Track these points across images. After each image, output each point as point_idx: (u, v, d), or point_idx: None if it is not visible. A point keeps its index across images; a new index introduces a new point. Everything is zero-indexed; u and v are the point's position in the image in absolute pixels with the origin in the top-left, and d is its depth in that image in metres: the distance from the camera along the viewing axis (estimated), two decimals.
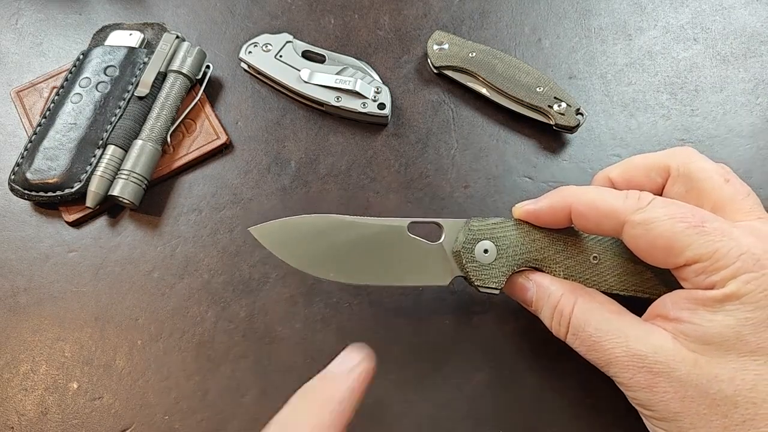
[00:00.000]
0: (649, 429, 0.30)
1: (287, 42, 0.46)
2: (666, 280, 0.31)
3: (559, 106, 0.42)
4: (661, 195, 0.31)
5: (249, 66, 0.46)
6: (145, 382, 0.37)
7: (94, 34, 0.47)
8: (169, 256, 0.41)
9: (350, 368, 0.29)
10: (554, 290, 0.31)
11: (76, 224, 0.41)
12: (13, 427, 0.36)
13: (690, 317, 0.27)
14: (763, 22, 0.47)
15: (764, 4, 0.48)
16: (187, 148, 0.43)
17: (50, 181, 0.40)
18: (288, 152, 0.44)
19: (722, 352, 0.26)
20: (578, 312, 0.30)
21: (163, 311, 0.39)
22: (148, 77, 0.43)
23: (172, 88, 0.43)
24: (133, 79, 0.44)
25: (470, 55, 0.44)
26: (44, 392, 0.37)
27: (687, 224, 0.27)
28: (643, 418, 0.30)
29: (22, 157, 0.41)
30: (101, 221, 0.42)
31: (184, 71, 0.44)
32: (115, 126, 0.42)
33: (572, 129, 0.42)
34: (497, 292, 0.33)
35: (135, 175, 0.40)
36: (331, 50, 0.46)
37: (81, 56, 0.45)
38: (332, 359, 0.37)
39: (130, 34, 0.46)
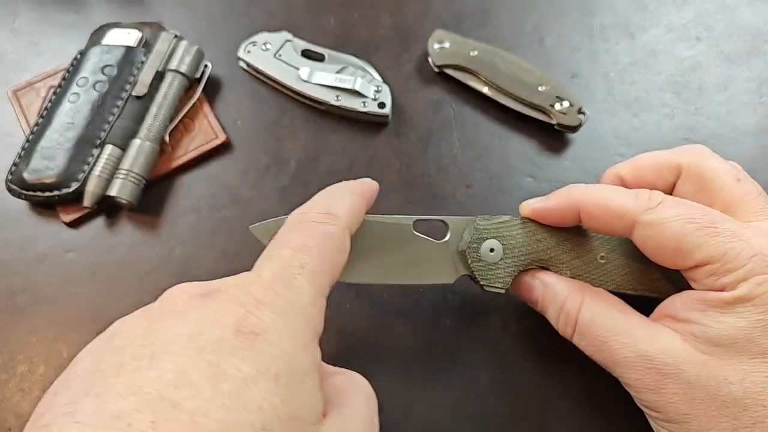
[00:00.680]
0: (655, 431, 0.29)
1: (286, 41, 0.46)
2: (674, 279, 0.31)
3: (561, 105, 0.41)
4: (671, 193, 0.31)
5: (248, 65, 0.45)
6: None
7: (92, 34, 0.46)
8: (168, 256, 0.40)
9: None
10: (561, 289, 0.31)
11: (74, 224, 0.41)
12: (10, 429, 0.36)
13: (700, 318, 0.27)
14: (767, 21, 0.47)
15: (767, 3, 0.47)
16: (186, 148, 0.43)
17: (47, 180, 0.39)
18: (287, 152, 0.44)
19: (732, 354, 0.26)
20: (585, 312, 0.30)
21: None
22: (146, 76, 0.43)
23: (170, 87, 0.43)
24: (131, 79, 0.43)
25: (471, 53, 0.44)
26: (42, 393, 0.36)
27: (697, 225, 0.27)
28: (650, 420, 0.29)
29: (19, 157, 0.41)
30: (99, 221, 0.41)
31: (182, 70, 0.43)
32: (112, 125, 0.41)
33: (574, 128, 0.41)
34: (503, 291, 0.33)
35: (133, 174, 0.40)
36: (330, 49, 0.46)
37: (78, 55, 0.44)
38: (332, 360, 0.37)
39: (128, 33, 0.45)
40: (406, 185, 0.42)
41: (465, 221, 0.33)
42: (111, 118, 0.42)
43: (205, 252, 0.40)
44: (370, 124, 0.44)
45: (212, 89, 0.46)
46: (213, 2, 0.49)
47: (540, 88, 0.42)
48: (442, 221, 0.34)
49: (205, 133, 0.43)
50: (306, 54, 0.46)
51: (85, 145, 0.41)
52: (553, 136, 0.43)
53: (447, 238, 0.33)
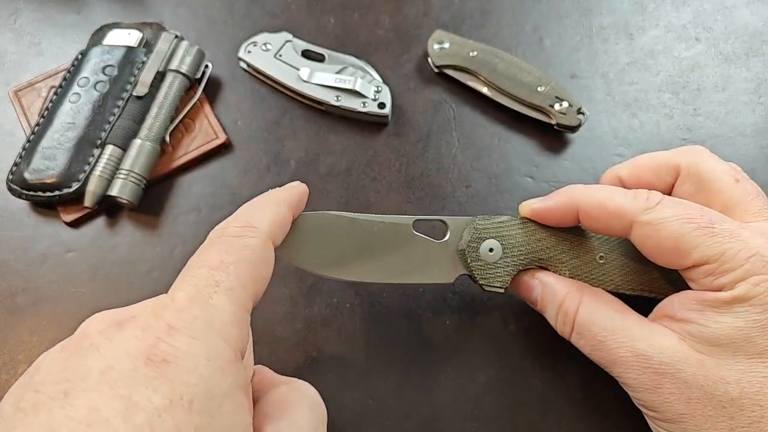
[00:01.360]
0: (653, 430, 0.29)
1: (287, 41, 0.46)
2: (673, 280, 0.31)
3: (561, 105, 0.41)
4: (670, 194, 0.31)
5: (248, 65, 0.46)
6: None
7: (93, 34, 0.46)
8: (168, 256, 0.40)
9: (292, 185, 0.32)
10: (559, 289, 0.31)
11: (75, 224, 0.41)
12: None
13: (698, 318, 0.27)
14: (765, 21, 0.47)
15: (766, 4, 0.47)
16: (186, 148, 0.43)
17: (48, 180, 0.40)
18: (287, 152, 0.44)
19: (729, 353, 0.26)
20: (583, 311, 0.30)
21: None
22: (146, 76, 0.43)
23: (171, 87, 0.43)
24: (132, 79, 0.43)
25: (471, 54, 0.44)
26: None
27: (696, 225, 0.27)
28: (648, 420, 0.29)
29: (20, 157, 0.41)
30: (100, 221, 0.41)
31: (182, 70, 0.44)
32: (113, 125, 0.42)
33: (574, 128, 0.42)
34: (502, 291, 0.33)
35: (133, 174, 0.40)
36: (330, 49, 0.46)
37: (79, 56, 0.45)
38: (333, 360, 0.37)
39: (129, 34, 0.45)
40: (406, 185, 0.42)
41: (464, 221, 0.33)
42: (112, 118, 0.42)
43: None
44: (370, 124, 0.44)
45: (213, 89, 0.46)
46: (213, 3, 0.50)
47: (539, 89, 0.42)
48: (441, 221, 0.34)
49: (205, 133, 0.43)
50: (306, 54, 0.46)
51: (86, 145, 0.41)
52: (552, 136, 0.43)
53: (446, 237, 0.33)
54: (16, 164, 0.41)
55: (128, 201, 0.40)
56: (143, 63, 0.44)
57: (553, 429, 0.35)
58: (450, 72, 0.45)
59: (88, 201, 0.40)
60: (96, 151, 0.41)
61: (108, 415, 0.19)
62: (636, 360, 0.27)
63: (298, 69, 0.44)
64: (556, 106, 0.41)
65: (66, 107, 0.42)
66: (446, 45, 0.45)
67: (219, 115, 0.45)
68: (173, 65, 0.44)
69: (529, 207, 0.33)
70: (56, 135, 0.41)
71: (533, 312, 0.35)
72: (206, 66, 0.45)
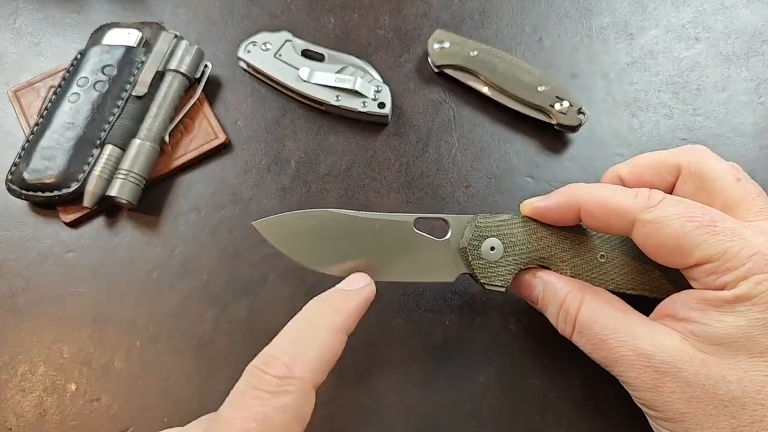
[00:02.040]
0: (654, 430, 0.29)
1: (286, 41, 0.46)
2: (674, 279, 0.31)
3: (561, 105, 0.41)
4: (671, 193, 0.31)
5: (248, 65, 0.46)
6: (144, 384, 0.37)
7: (92, 34, 0.46)
8: (168, 256, 0.40)
9: (359, 287, 0.31)
10: (561, 288, 0.31)
11: (74, 224, 0.41)
12: (11, 429, 0.36)
13: (700, 317, 0.27)
14: (765, 21, 0.47)
15: (766, 4, 0.47)
16: (186, 148, 0.43)
17: (48, 181, 0.40)
18: (288, 152, 0.44)
19: (731, 352, 0.26)
20: (585, 310, 0.30)
21: (162, 312, 0.39)
22: (146, 76, 0.43)
23: (171, 87, 0.43)
24: (131, 79, 0.43)
25: (471, 54, 0.44)
26: (42, 393, 0.37)
27: (697, 223, 0.27)
28: (649, 419, 0.29)
29: (20, 157, 0.41)
30: (99, 221, 0.41)
31: (182, 70, 0.43)
32: (113, 125, 0.41)
33: (574, 128, 0.42)
34: (503, 289, 0.33)
35: (133, 174, 0.40)
36: (330, 49, 0.46)
37: (79, 55, 0.45)
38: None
39: (128, 33, 0.45)
40: (406, 185, 0.42)
41: (465, 219, 0.33)
42: (111, 118, 0.42)
43: (205, 251, 0.40)
44: (370, 124, 0.44)
45: (212, 89, 0.46)
46: (213, 2, 0.50)
47: (539, 89, 0.42)
48: (442, 219, 0.34)
49: (205, 133, 0.43)
50: (306, 54, 0.46)
51: (86, 145, 0.41)
52: (552, 136, 0.43)
53: (448, 236, 0.33)
54: (15, 164, 0.41)
55: (128, 201, 0.40)
56: (143, 63, 0.44)
57: (553, 428, 0.35)
58: (450, 72, 0.45)
59: (88, 201, 0.40)
60: (95, 151, 0.41)
61: None
62: (637, 359, 0.27)
63: (297, 69, 0.44)
64: (557, 106, 0.41)
65: (65, 107, 0.42)
66: (446, 45, 0.45)
67: (219, 114, 0.45)
68: (173, 65, 0.44)
69: (530, 205, 0.33)
70: (55, 135, 0.41)
71: (533, 312, 0.35)
72: (206, 66, 0.45)
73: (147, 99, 0.43)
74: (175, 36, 0.45)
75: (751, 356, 0.25)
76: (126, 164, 0.40)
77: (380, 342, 0.37)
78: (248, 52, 0.45)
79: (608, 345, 0.28)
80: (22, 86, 0.45)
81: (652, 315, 0.30)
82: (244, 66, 0.46)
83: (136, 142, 0.41)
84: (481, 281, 0.32)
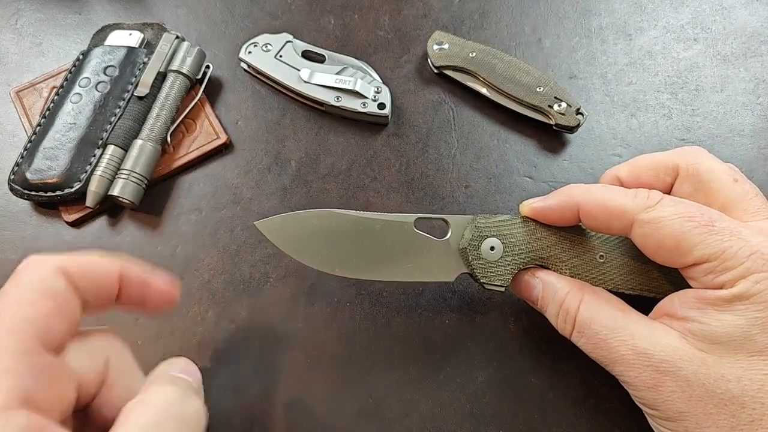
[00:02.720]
0: (653, 429, 0.30)
1: (287, 42, 0.46)
2: (673, 279, 0.31)
3: (560, 105, 0.42)
4: (669, 194, 0.31)
5: (249, 66, 0.46)
6: None
7: (94, 34, 0.46)
8: (169, 255, 0.40)
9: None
10: (560, 288, 0.31)
11: (76, 224, 0.41)
12: None
13: (698, 316, 0.27)
14: (763, 21, 0.47)
15: (764, 4, 0.48)
16: (187, 148, 0.43)
17: (50, 180, 0.40)
18: (288, 152, 0.44)
19: (730, 351, 0.26)
20: (584, 309, 0.30)
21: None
22: (147, 77, 0.43)
23: (172, 87, 0.43)
24: (133, 79, 0.44)
25: (470, 54, 0.44)
26: None
27: (696, 223, 0.27)
28: (648, 418, 0.30)
29: (22, 157, 0.41)
30: (101, 221, 0.42)
31: (183, 71, 0.44)
32: (114, 126, 0.42)
33: (572, 129, 0.42)
34: (503, 289, 0.33)
35: (135, 174, 0.40)
36: (331, 50, 0.46)
37: (81, 56, 0.45)
38: (333, 359, 0.37)
39: (130, 34, 0.46)
40: (406, 185, 0.42)
41: (465, 220, 0.34)
42: (113, 119, 0.42)
43: (206, 251, 0.40)
44: (369, 124, 0.45)
45: (213, 90, 0.46)
46: (214, 4, 0.50)
47: (538, 89, 0.42)
48: (443, 219, 0.34)
49: (206, 134, 0.44)
50: (306, 55, 0.46)
51: (88, 145, 0.41)
52: (551, 136, 0.44)
53: (448, 236, 0.34)
54: (17, 164, 0.41)
55: (129, 201, 0.40)
56: (144, 63, 0.44)
57: (553, 428, 0.35)
58: (449, 73, 0.45)
59: (90, 201, 0.40)
60: (97, 152, 0.41)
61: None
62: (637, 358, 0.27)
63: (298, 69, 0.44)
64: (555, 107, 0.42)
65: (67, 107, 0.42)
66: (446, 46, 0.45)
67: (220, 115, 0.45)
68: (174, 66, 0.44)
69: (529, 206, 0.33)
70: (58, 135, 0.41)
71: (532, 311, 0.35)
72: (207, 66, 0.45)
73: (149, 99, 0.43)
74: (177, 37, 0.45)
75: (750, 355, 0.26)
76: (128, 164, 0.40)
77: (380, 342, 0.38)
78: (249, 53, 0.45)
79: (608, 344, 0.29)
80: (24, 86, 0.45)
81: (651, 314, 0.30)
82: (245, 67, 0.46)
83: (138, 142, 0.41)
84: (481, 281, 0.33)
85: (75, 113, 0.42)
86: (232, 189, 0.43)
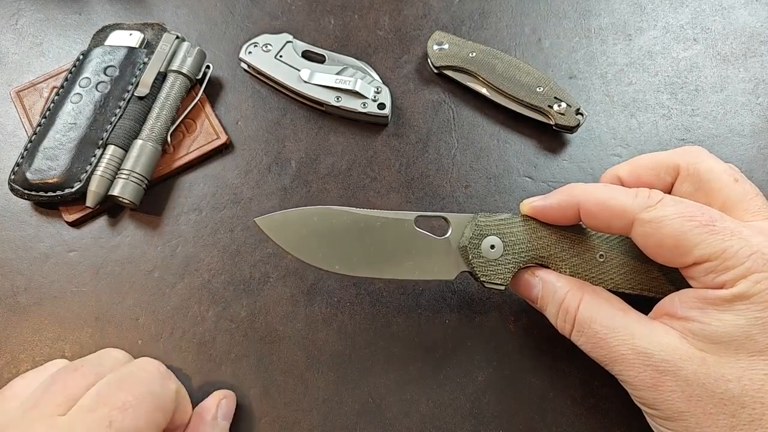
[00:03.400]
0: (653, 429, 0.30)
1: (287, 42, 0.46)
2: (673, 279, 0.31)
3: (560, 106, 0.42)
4: (669, 194, 0.31)
5: (249, 66, 0.46)
6: None
7: (94, 34, 0.46)
8: (170, 255, 0.41)
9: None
10: (560, 287, 0.31)
11: (76, 224, 0.41)
12: None
13: (699, 316, 0.27)
14: (763, 22, 0.47)
15: (764, 4, 0.48)
16: (188, 148, 0.43)
17: (50, 180, 0.40)
18: (288, 152, 0.44)
19: (731, 351, 0.26)
20: (584, 309, 0.30)
21: (163, 311, 0.39)
22: (148, 77, 0.43)
23: (172, 88, 0.43)
24: (133, 79, 0.44)
25: (470, 55, 0.44)
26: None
27: (697, 223, 0.27)
28: (648, 418, 0.30)
29: (22, 157, 0.41)
30: (101, 221, 0.42)
31: (184, 71, 0.44)
32: (115, 126, 0.42)
33: (572, 129, 0.42)
34: (503, 288, 0.33)
35: (135, 174, 0.40)
36: (331, 50, 0.46)
37: (81, 56, 0.45)
38: (333, 359, 0.37)
39: (130, 34, 0.46)
40: (406, 185, 0.43)
41: (466, 218, 0.34)
42: (113, 119, 0.42)
43: (206, 251, 0.41)
44: (369, 124, 0.45)
45: (214, 90, 0.46)
46: (215, 4, 0.50)
47: (538, 89, 0.42)
48: (443, 218, 0.34)
49: (206, 134, 0.44)
50: (306, 55, 0.46)
51: (88, 145, 0.41)
52: (551, 136, 0.44)
53: (448, 234, 0.34)
54: (18, 164, 0.41)
55: (130, 201, 0.40)
56: (144, 64, 0.44)
57: (552, 427, 0.35)
58: (449, 73, 0.45)
59: (90, 201, 0.40)
60: (98, 152, 0.41)
61: None
62: (637, 358, 0.27)
63: (298, 70, 0.44)
64: (555, 107, 0.42)
65: (68, 107, 0.42)
66: (445, 46, 0.45)
67: (220, 115, 0.45)
68: (174, 66, 0.44)
69: (530, 205, 0.33)
70: (58, 135, 0.41)
71: (532, 311, 0.35)
72: (207, 67, 0.45)
73: (149, 100, 0.43)
74: (177, 37, 0.45)
75: (750, 355, 0.26)
76: (128, 164, 0.40)
77: (380, 342, 0.38)
78: (249, 53, 0.46)
79: (607, 344, 0.29)
80: (25, 87, 0.45)
81: (650, 314, 0.30)
82: (245, 67, 0.46)
83: (138, 142, 0.41)
84: (481, 279, 0.33)
85: (75, 113, 0.42)
86: (232, 189, 0.43)
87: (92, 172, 0.40)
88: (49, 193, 0.40)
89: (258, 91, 0.46)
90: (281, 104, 0.46)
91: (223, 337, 0.38)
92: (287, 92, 0.45)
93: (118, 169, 0.41)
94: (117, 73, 0.43)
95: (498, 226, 0.33)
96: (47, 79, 0.45)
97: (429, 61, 0.46)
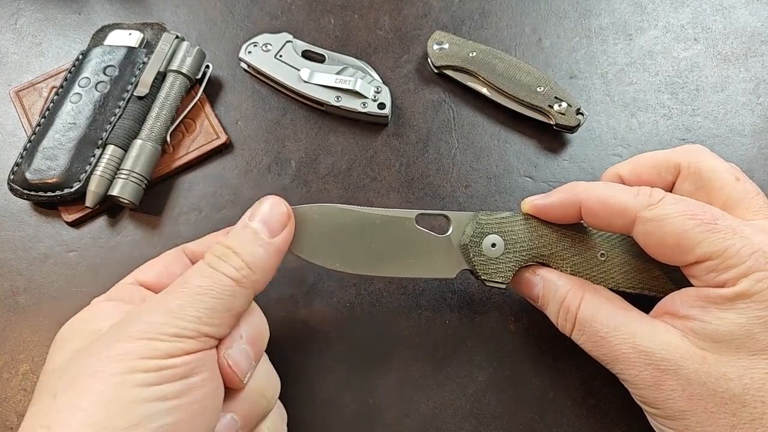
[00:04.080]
0: (653, 428, 0.30)
1: (287, 42, 0.46)
2: (674, 278, 0.31)
3: (560, 105, 0.42)
4: (670, 192, 0.31)
5: (249, 66, 0.46)
6: None
7: (94, 34, 0.46)
8: None
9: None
10: (561, 285, 0.31)
11: (76, 224, 0.41)
12: (12, 428, 0.36)
13: (700, 315, 0.27)
14: (764, 21, 0.47)
15: (764, 4, 0.48)
16: (187, 148, 0.43)
17: (49, 180, 0.40)
18: (288, 152, 0.44)
19: (732, 350, 0.26)
20: (585, 307, 0.30)
21: None
22: (147, 77, 0.43)
23: (172, 87, 0.43)
24: (133, 79, 0.43)
25: (470, 54, 0.44)
26: None
27: (698, 221, 0.27)
28: (648, 417, 0.30)
29: (22, 157, 0.41)
30: (101, 221, 0.42)
31: (183, 71, 0.44)
32: (114, 126, 0.42)
33: (573, 129, 0.42)
34: (503, 286, 0.33)
35: (134, 174, 0.40)
36: (331, 50, 0.46)
37: (80, 56, 0.45)
38: (333, 359, 0.37)
39: (130, 34, 0.46)
40: (406, 185, 0.42)
41: (467, 216, 0.34)
42: (113, 119, 0.42)
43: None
44: (369, 124, 0.45)
45: (213, 90, 0.46)
46: (214, 3, 0.50)
47: (538, 89, 0.42)
48: (444, 216, 0.34)
49: (206, 134, 0.44)
50: (306, 55, 0.46)
51: (87, 145, 0.41)
52: (551, 136, 0.43)
53: (449, 232, 0.33)
54: (17, 164, 0.41)
55: (129, 201, 0.40)
56: (144, 63, 0.44)
57: (552, 428, 0.35)
58: (449, 72, 0.45)
59: (89, 201, 0.40)
60: (97, 151, 0.41)
61: None
62: (638, 356, 0.27)
63: (298, 69, 0.44)
64: (555, 107, 0.42)
65: (67, 107, 0.42)
66: (446, 46, 0.45)
67: (220, 115, 0.45)
68: (174, 66, 0.44)
69: (531, 203, 0.33)
70: (57, 135, 0.41)
71: (532, 311, 0.35)
72: (207, 66, 0.45)
73: (148, 99, 0.43)
74: (177, 37, 0.45)
75: (751, 353, 0.26)
76: (128, 164, 0.40)
77: (380, 341, 0.38)
78: (249, 53, 0.45)
79: (608, 342, 0.29)
80: (24, 86, 0.45)
81: (651, 313, 0.30)
82: (245, 67, 0.46)
83: (138, 142, 0.41)
84: (482, 278, 0.33)
85: (75, 113, 0.42)
86: (232, 189, 0.43)
87: (92, 172, 0.40)
88: (49, 193, 0.40)
89: (258, 91, 0.46)
90: (281, 104, 0.46)
91: None
92: (287, 92, 0.45)
93: (118, 169, 0.40)
94: (116, 73, 0.43)
95: (499, 225, 0.33)
96: (46, 79, 0.45)
97: (429, 60, 0.46)
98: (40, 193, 0.40)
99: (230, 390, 0.28)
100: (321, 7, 0.49)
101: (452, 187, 0.42)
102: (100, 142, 0.41)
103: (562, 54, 0.47)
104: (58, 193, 0.40)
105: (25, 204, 0.42)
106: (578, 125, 0.41)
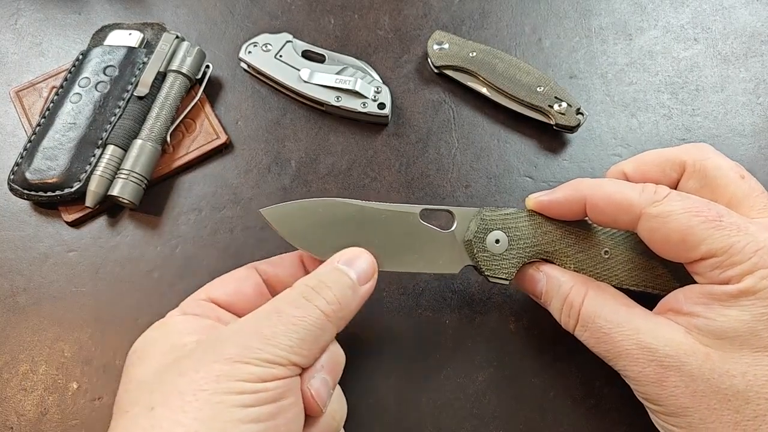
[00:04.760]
0: (656, 425, 0.30)
1: (287, 42, 0.46)
2: (678, 276, 0.31)
3: (560, 105, 0.42)
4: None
5: (249, 66, 0.46)
6: None
7: (94, 34, 0.46)
8: (169, 255, 0.40)
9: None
10: (565, 282, 0.31)
11: (76, 224, 0.41)
12: (12, 428, 0.36)
13: (704, 312, 0.27)
14: (764, 21, 0.47)
15: (764, 4, 0.48)
16: (187, 148, 0.43)
17: (50, 180, 0.40)
18: (288, 152, 0.44)
19: (735, 347, 0.26)
20: (588, 303, 0.30)
21: (163, 311, 0.38)
22: (147, 77, 0.43)
23: (172, 87, 0.43)
24: (133, 79, 0.43)
25: (470, 54, 0.44)
26: (44, 392, 0.37)
27: (703, 218, 0.27)
28: (651, 414, 0.30)
29: (22, 157, 0.41)
30: (101, 221, 0.42)
31: (183, 71, 0.44)
32: (114, 126, 0.42)
33: (573, 129, 0.42)
34: (507, 282, 0.33)
35: (134, 174, 0.40)
36: (331, 50, 0.46)
37: (80, 56, 0.45)
38: None
39: (130, 34, 0.46)
40: (406, 185, 0.42)
41: (471, 212, 0.34)
42: (113, 119, 0.42)
43: (206, 251, 0.40)
44: (369, 124, 0.45)
45: (213, 90, 0.46)
46: (214, 3, 0.50)
47: (538, 89, 0.42)
48: (448, 211, 0.34)
49: (206, 134, 0.44)
50: (306, 55, 0.46)
51: (87, 145, 0.41)
52: (551, 136, 0.44)
53: (453, 228, 0.33)
54: (17, 164, 0.41)
55: (129, 201, 0.40)
56: (144, 63, 0.44)
57: (553, 427, 0.35)
58: (449, 72, 0.45)
59: (89, 201, 0.40)
60: (97, 151, 0.41)
61: None
62: (641, 353, 0.27)
63: (298, 69, 0.44)
64: (555, 107, 0.42)
65: (67, 107, 0.42)
66: (446, 46, 0.45)
67: (220, 115, 0.45)
68: (174, 66, 0.44)
69: (536, 199, 0.33)
70: (57, 135, 0.41)
71: (533, 311, 0.35)
72: (207, 66, 0.45)
73: (148, 99, 0.43)
74: (177, 37, 0.45)
75: (755, 350, 0.26)
76: (128, 164, 0.40)
77: (380, 342, 0.38)
78: (249, 53, 0.45)
79: (612, 339, 0.29)
80: (24, 86, 0.45)
81: (655, 310, 0.30)
82: (245, 67, 0.46)
83: (138, 142, 0.41)
84: (486, 274, 0.33)
85: (75, 113, 0.42)
86: (232, 189, 0.43)
87: (92, 172, 0.40)
88: (49, 193, 0.40)
89: (258, 91, 0.46)
90: (281, 104, 0.46)
91: None
92: (287, 92, 0.45)
93: (118, 169, 0.40)
94: (116, 73, 0.43)
95: (503, 221, 0.33)
96: (46, 79, 0.45)
97: (429, 60, 0.46)
98: (40, 193, 0.40)
99: (307, 416, 0.29)
100: (321, 7, 0.49)
101: (452, 187, 0.42)
102: (100, 142, 0.41)
103: (562, 54, 0.47)
104: (58, 193, 0.40)
105: (25, 204, 0.42)
106: (578, 125, 0.41)
